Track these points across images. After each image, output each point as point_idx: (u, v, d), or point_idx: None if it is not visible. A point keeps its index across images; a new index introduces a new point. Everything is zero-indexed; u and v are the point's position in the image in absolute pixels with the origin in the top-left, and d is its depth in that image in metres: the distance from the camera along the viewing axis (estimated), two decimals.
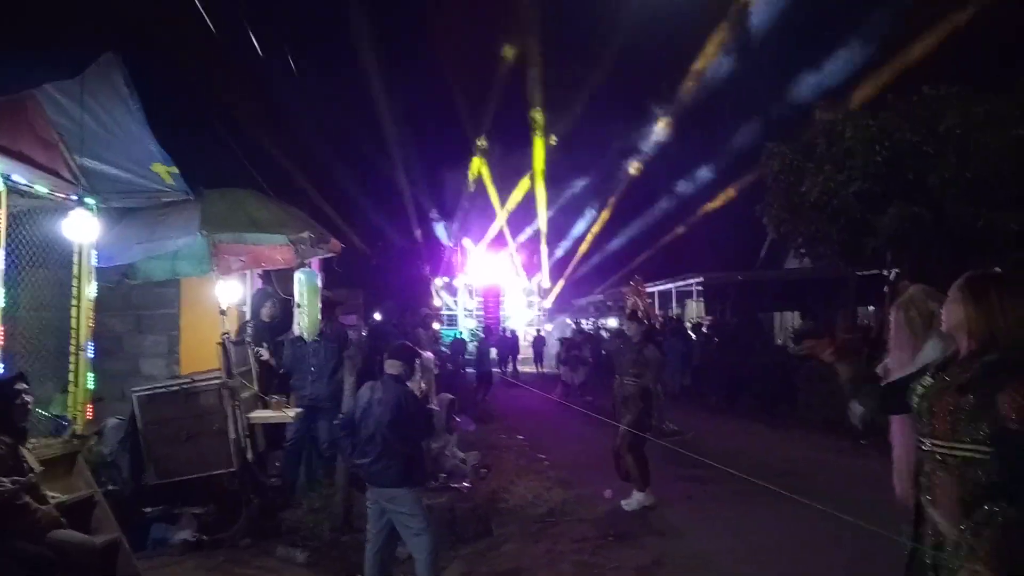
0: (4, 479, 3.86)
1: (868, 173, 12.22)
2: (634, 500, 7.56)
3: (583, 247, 42.40)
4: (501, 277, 41.19)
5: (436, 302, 31.87)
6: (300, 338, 7.61)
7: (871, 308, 18.14)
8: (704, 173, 32.48)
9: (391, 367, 5.41)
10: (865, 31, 21.46)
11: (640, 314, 12.27)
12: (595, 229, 41.68)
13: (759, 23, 26.11)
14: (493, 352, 22.87)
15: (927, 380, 2.79)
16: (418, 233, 33.92)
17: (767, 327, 21.69)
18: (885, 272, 13.88)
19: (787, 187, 13.66)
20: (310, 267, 8.23)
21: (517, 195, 42.23)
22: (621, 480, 7.80)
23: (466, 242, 41.25)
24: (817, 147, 13.19)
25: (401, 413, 5.15)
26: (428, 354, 9.39)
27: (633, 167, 37.16)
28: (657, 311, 27.77)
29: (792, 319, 22.86)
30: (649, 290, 27.50)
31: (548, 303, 43.69)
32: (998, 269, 2.87)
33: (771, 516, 6.88)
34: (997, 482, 2.52)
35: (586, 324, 33.46)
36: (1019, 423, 2.45)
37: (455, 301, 38.54)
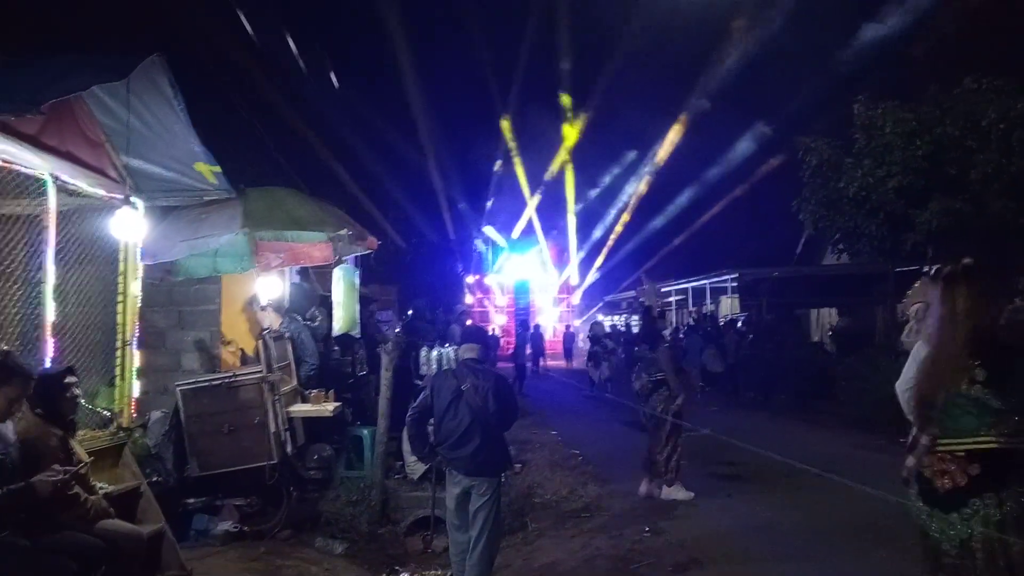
0: (57, 467, 3.97)
1: (908, 168, 12.05)
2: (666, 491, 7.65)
3: (613, 242, 42.21)
4: (531, 273, 41.32)
5: (468, 299, 32.06)
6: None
7: None
8: (740, 168, 32.10)
9: (469, 351, 5.32)
10: (905, 21, 21.07)
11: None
12: (627, 224, 41.45)
13: (800, 10, 25.68)
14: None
15: None
16: (450, 230, 34.02)
17: (804, 324, 21.44)
18: (925, 268, 13.65)
19: (825, 182, 13.51)
20: (348, 264, 8.34)
21: (548, 191, 42.17)
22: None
23: (497, 239, 41.36)
24: (856, 141, 13.02)
25: (501, 400, 5.08)
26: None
27: (667, 160, 36.84)
28: (690, 307, 27.62)
29: (830, 316, 22.57)
30: (682, 286, 27.35)
31: (576, 299, 43.71)
32: (967, 261, 2.86)
33: (810, 514, 6.84)
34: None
35: (618, 320, 33.42)
36: None
37: (487, 298, 38.69)
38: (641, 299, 18.95)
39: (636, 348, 7.93)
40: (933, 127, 12.06)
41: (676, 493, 7.55)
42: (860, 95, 13.13)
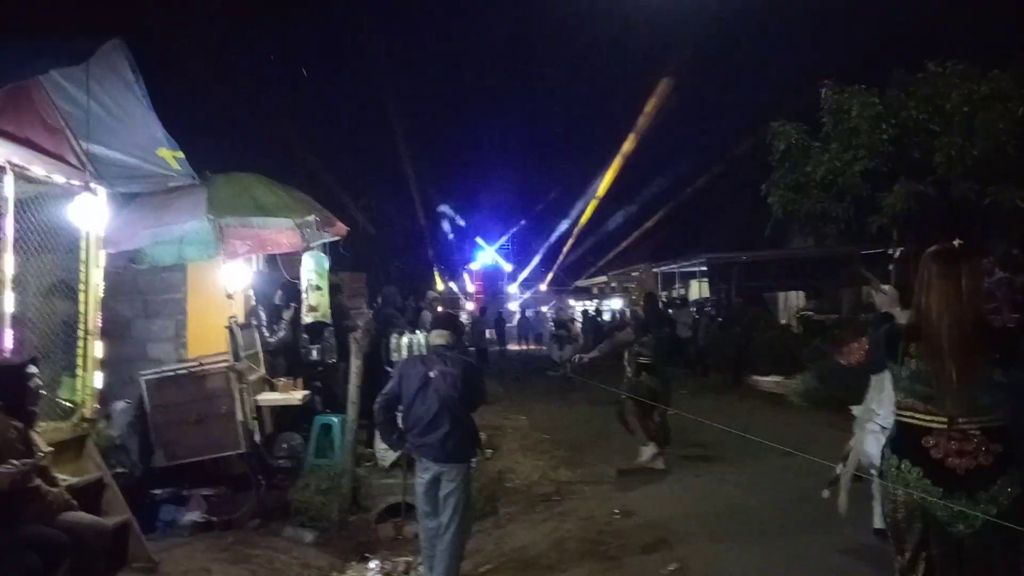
0: (15, 461, 3.89)
1: (874, 151, 12.19)
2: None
3: (579, 228, 42.50)
4: (499, 261, 41.69)
5: (439, 286, 32.01)
6: None
7: None
8: (707, 152, 32.28)
9: (439, 337, 5.28)
10: (870, 4, 21.28)
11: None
12: (593, 210, 41.67)
13: None
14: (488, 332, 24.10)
15: None
16: (421, 218, 33.95)
17: (772, 306, 21.67)
18: (890, 251, 13.86)
19: (793, 166, 13.62)
20: (317, 251, 8.27)
21: (516, 181, 42.32)
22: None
23: (467, 228, 41.50)
24: (823, 126, 13.14)
25: (469, 385, 5.06)
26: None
27: (632, 144, 36.94)
28: (660, 292, 27.86)
29: (797, 298, 22.83)
30: (652, 271, 27.54)
31: (544, 285, 44.11)
32: (957, 242, 2.84)
33: (778, 492, 6.93)
34: None
35: (589, 305, 33.78)
36: None
37: (456, 286, 38.74)
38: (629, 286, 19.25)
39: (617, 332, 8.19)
40: (899, 111, 12.21)
41: (652, 461, 7.78)
42: (827, 79, 13.24)
